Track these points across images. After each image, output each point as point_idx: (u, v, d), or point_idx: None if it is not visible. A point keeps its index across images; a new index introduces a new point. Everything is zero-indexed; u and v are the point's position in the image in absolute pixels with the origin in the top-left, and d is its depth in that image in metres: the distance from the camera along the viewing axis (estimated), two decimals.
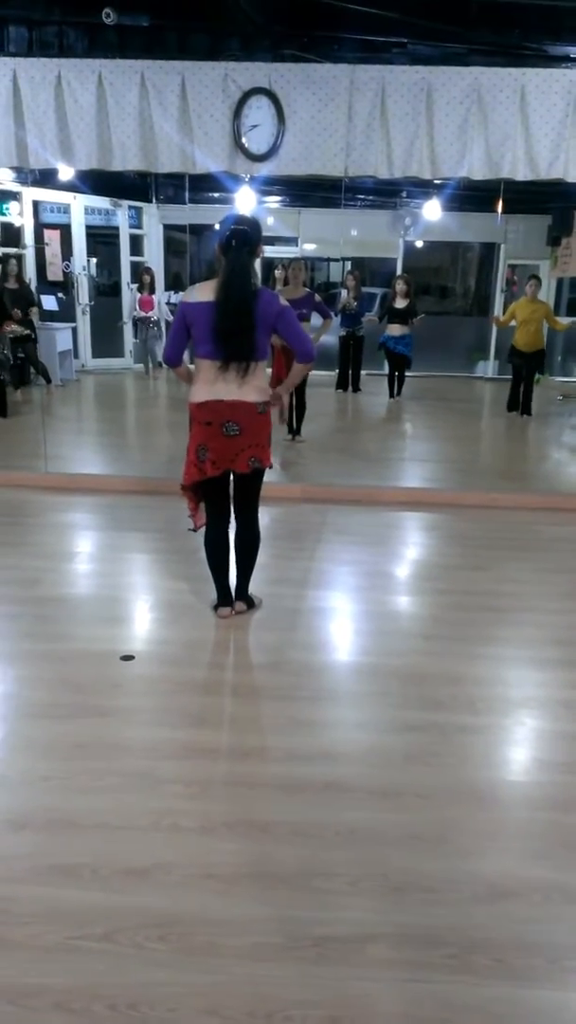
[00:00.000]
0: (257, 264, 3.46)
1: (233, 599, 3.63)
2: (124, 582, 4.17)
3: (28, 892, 1.97)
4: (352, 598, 4.04)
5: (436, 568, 4.55)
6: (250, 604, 3.68)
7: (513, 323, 8.96)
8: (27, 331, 9.29)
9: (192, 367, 3.40)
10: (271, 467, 3.47)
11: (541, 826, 2.30)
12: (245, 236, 3.17)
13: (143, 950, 1.80)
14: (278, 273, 10.58)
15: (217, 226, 3.35)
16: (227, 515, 3.53)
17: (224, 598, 3.62)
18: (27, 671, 3.11)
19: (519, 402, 9.06)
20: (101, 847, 2.12)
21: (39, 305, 9.62)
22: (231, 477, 3.42)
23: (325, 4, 5.22)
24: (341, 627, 3.72)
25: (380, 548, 4.76)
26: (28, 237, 10.74)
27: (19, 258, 10.49)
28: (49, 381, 9.49)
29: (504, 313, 10.40)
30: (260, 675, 3.20)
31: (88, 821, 2.23)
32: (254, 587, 3.69)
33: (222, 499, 3.48)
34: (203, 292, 3.20)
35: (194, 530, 3.63)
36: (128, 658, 3.20)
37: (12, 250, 10.33)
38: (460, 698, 2.99)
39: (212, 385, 3.24)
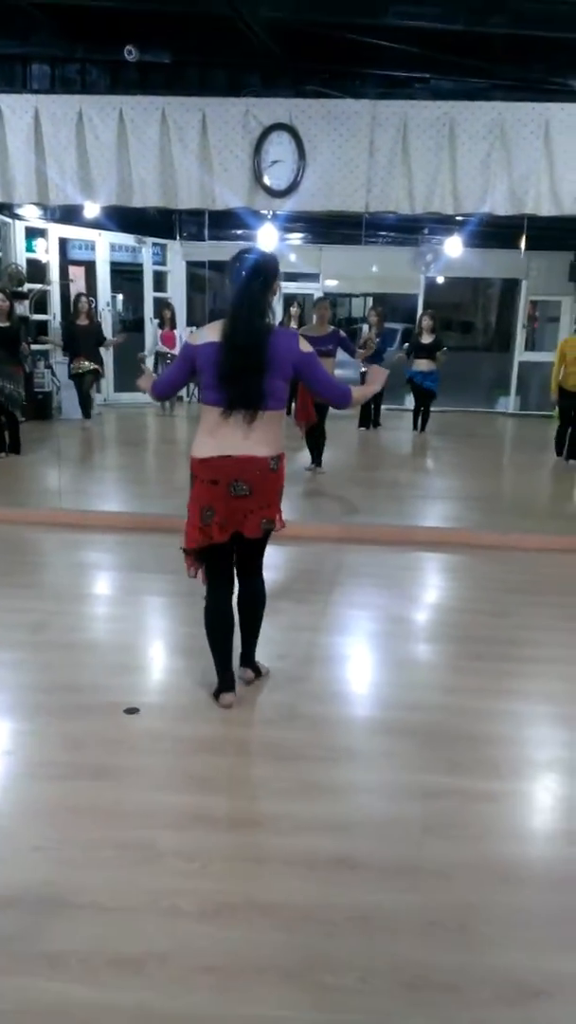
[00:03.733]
0: (277, 304, 3.26)
1: (234, 682, 3.20)
2: (132, 627, 4.03)
3: (7, 982, 1.80)
4: (368, 646, 3.87)
5: (456, 613, 4.36)
6: (257, 672, 3.36)
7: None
8: (95, 366, 9.51)
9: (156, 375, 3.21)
10: (283, 527, 3.11)
11: (574, 911, 2.10)
12: (256, 266, 2.82)
13: None
14: (293, 310, 10.50)
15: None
16: (231, 582, 3.14)
17: (226, 682, 3.14)
18: (25, 725, 2.95)
19: (564, 447, 8.58)
20: (91, 932, 1.95)
21: (105, 340, 9.77)
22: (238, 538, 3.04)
23: (347, 39, 5.17)
24: (356, 678, 3.55)
25: (398, 591, 4.57)
26: (54, 273, 10.81)
27: (44, 294, 10.58)
28: (88, 417, 9.58)
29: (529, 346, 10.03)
30: (270, 731, 3.01)
31: (79, 900, 2.06)
32: (266, 634, 3.45)
33: (226, 563, 3.09)
34: (211, 332, 2.85)
35: (194, 576, 3.18)
36: (132, 711, 3.04)
37: (37, 286, 10.40)
38: (482, 760, 2.80)
39: (217, 437, 2.86)
